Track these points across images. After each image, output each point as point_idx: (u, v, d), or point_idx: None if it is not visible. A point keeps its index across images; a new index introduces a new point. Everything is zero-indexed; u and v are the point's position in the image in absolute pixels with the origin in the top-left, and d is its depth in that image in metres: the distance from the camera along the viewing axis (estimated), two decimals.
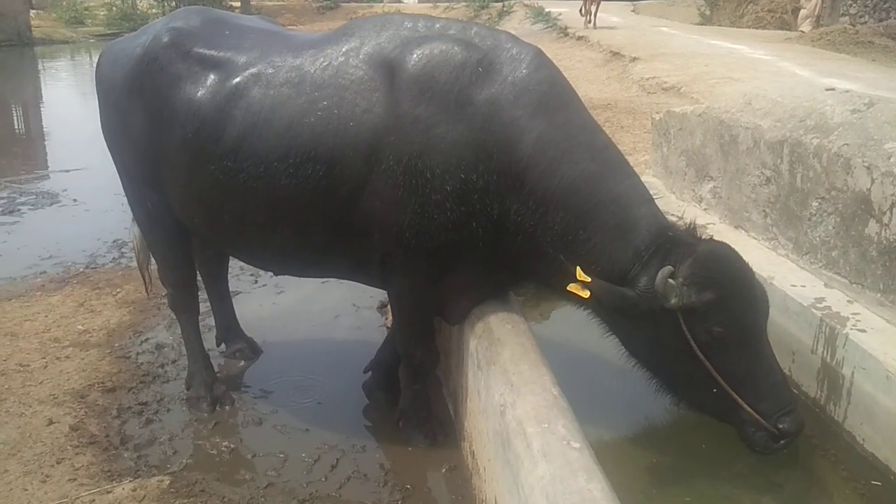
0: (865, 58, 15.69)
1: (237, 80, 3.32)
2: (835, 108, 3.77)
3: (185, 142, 3.38)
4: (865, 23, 20.54)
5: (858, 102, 3.69)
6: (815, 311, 3.32)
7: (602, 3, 22.08)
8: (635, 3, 31.13)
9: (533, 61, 3.11)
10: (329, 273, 4.05)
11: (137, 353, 4.66)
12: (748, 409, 2.74)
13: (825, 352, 3.23)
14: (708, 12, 28.67)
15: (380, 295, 5.63)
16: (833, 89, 4.08)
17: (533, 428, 2.56)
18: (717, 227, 4.48)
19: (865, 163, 3.30)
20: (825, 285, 3.54)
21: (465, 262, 3.29)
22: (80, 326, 4.98)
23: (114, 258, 6.45)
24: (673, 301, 2.71)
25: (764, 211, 4.12)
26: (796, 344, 3.43)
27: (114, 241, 6.83)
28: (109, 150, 3.92)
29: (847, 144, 3.47)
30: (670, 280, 2.72)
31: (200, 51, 3.43)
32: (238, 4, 34.66)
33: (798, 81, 8.76)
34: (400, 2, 45.26)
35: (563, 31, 22.10)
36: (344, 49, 3.24)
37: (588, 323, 3.25)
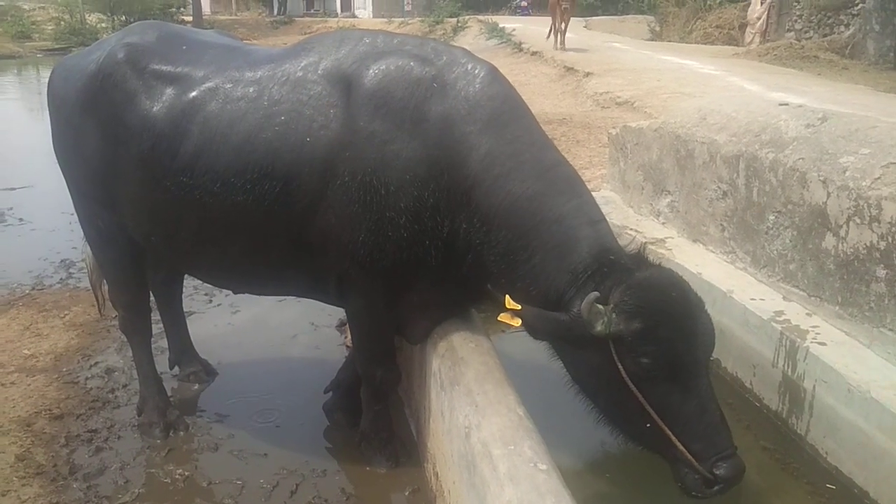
0: (811, 72, 16.13)
1: (193, 94, 3.26)
2: (789, 122, 3.82)
3: (141, 158, 3.30)
4: (810, 38, 21.10)
5: (812, 117, 3.74)
6: (774, 324, 3.34)
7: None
8: (587, 19, 31.57)
9: (486, 77, 3.07)
10: (287, 291, 3.96)
11: (86, 378, 4.49)
12: (681, 447, 2.59)
13: (786, 365, 3.24)
14: (658, 28, 29.23)
15: (338, 313, 5.54)
16: (787, 104, 4.14)
17: (499, 450, 2.51)
18: (675, 241, 4.51)
19: (821, 177, 3.34)
20: (784, 298, 3.57)
21: (422, 280, 3.23)
22: (26, 351, 4.79)
23: (61, 279, 6.24)
24: (598, 328, 2.58)
25: (721, 225, 4.15)
26: (757, 357, 3.45)
27: (61, 262, 6.62)
28: (61, 167, 3.80)
29: (802, 159, 3.51)
30: (597, 305, 2.60)
31: (156, 66, 3.36)
32: (190, 19, 34.30)
33: (751, 97, 8.93)
34: (354, 17, 45.37)
35: (518, 47, 22.34)
36: (302, 64, 3.19)
37: None
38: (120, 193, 3.49)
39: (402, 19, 38.66)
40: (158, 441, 3.86)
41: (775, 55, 18.61)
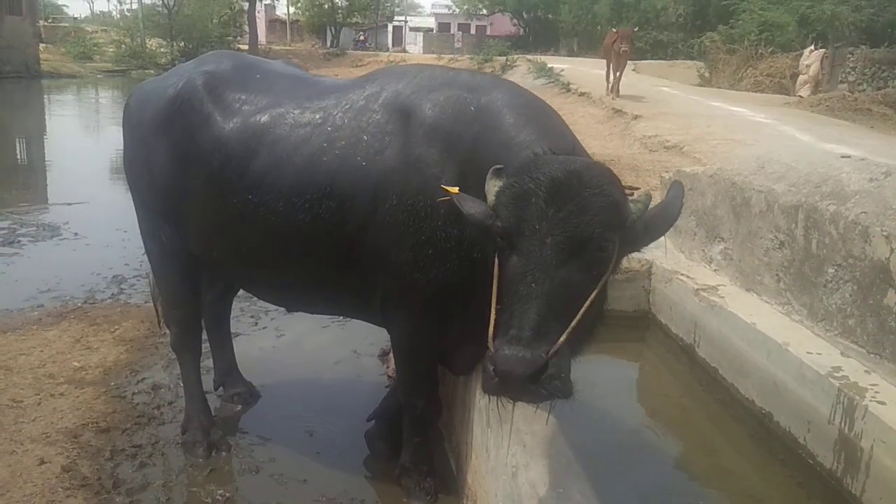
0: (864, 125, 15.91)
1: (264, 118, 3.43)
2: (851, 175, 3.76)
3: (211, 176, 3.46)
4: (864, 90, 20.88)
5: (876, 171, 3.68)
6: (832, 380, 3.25)
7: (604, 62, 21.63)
8: (636, 63, 31.63)
9: (522, 97, 3.17)
10: (336, 310, 4.07)
11: (133, 394, 4.56)
12: (492, 324, 2.34)
13: (843, 423, 3.15)
14: (707, 74, 29.13)
15: (380, 342, 5.57)
16: (849, 156, 4.08)
17: (547, 492, 2.48)
18: (727, 289, 4.44)
19: (884, 232, 3.28)
20: (841, 354, 3.48)
21: (468, 307, 3.23)
22: (75, 363, 4.88)
23: (112, 294, 6.37)
24: (490, 195, 2.50)
25: (777, 275, 4.08)
26: (812, 413, 3.35)
27: (113, 277, 6.77)
28: (129, 183, 3.98)
29: (865, 213, 3.45)
30: (497, 178, 2.52)
31: (231, 93, 3.54)
32: (246, 47, 35.16)
33: (810, 148, 8.81)
34: (405, 52, 46.08)
35: (566, 87, 22.45)
36: (366, 94, 3.34)
37: (598, 378, 3.15)
38: (186, 209, 3.65)
39: (452, 56, 39.16)
40: (201, 460, 3.90)
41: (827, 106, 18.40)
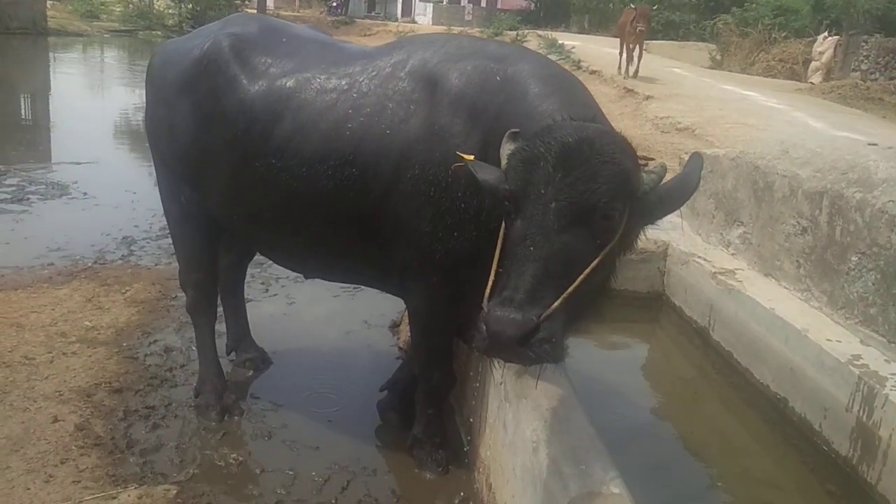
0: (876, 114, 15.83)
1: (290, 83, 3.38)
2: (878, 163, 3.73)
3: (235, 139, 3.42)
4: (876, 80, 20.73)
5: None
6: (852, 367, 3.25)
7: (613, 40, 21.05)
8: (647, 42, 31.37)
9: (546, 65, 3.15)
10: (355, 278, 4.00)
11: (146, 355, 4.55)
12: (490, 281, 2.38)
13: (861, 411, 3.15)
14: (719, 57, 28.93)
15: (391, 313, 5.56)
16: (876, 144, 4.04)
17: (570, 468, 2.47)
18: (745, 274, 4.43)
19: None
20: (861, 342, 3.47)
21: (486, 275, 3.21)
22: (87, 322, 4.86)
23: (122, 255, 6.34)
24: (504, 158, 2.49)
25: (797, 261, 4.07)
26: (830, 400, 3.35)
27: (123, 238, 6.73)
28: (150, 143, 3.95)
29: (892, 201, 3.42)
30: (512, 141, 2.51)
31: (258, 56, 3.49)
32: (254, 12, 34.82)
33: (830, 135, 8.74)
34: (414, 22, 45.66)
35: (577, 65, 22.26)
36: (392, 61, 3.29)
37: (612, 357, 3.13)
38: (208, 172, 3.61)
39: (462, 28, 38.78)
40: (214, 423, 3.89)
41: (840, 94, 18.30)
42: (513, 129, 2.58)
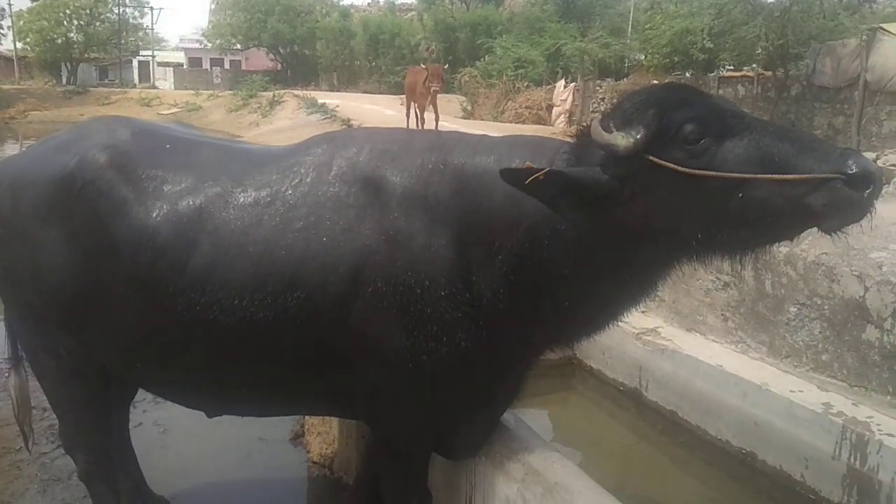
0: None
1: (197, 201, 2.85)
2: None
3: (137, 275, 2.81)
4: None
5: None
6: (832, 417, 3.40)
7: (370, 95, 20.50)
8: (402, 97, 32.48)
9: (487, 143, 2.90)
10: (301, 410, 3.51)
11: None
12: (792, 176, 2.09)
13: (852, 458, 3.30)
14: (470, 107, 30.68)
15: (286, 424, 5.03)
16: None
17: None
18: (669, 331, 4.54)
19: (855, 272, 3.51)
20: (819, 388, 3.67)
21: (471, 374, 2.94)
22: None
23: None
24: (622, 141, 2.22)
25: (723, 314, 4.25)
26: (810, 451, 3.49)
27: None
28: (1, 289, 3.19)
29: (826, 253, 3.68)
30: (598, 128, 2.28)
31: (147, 171, 2.91)
32: None
33: None
34: (155, 88, 43.44)
35: (347, 123, 22.37)
36: (313, 165, 2.91)
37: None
38: (99, 317, 2.95)
39: (211, 92, 37.56)
40: None
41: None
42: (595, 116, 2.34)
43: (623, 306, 2.72)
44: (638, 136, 2.19)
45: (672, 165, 2.19)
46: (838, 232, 2.13)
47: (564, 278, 2.56)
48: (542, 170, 2.25)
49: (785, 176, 2.09)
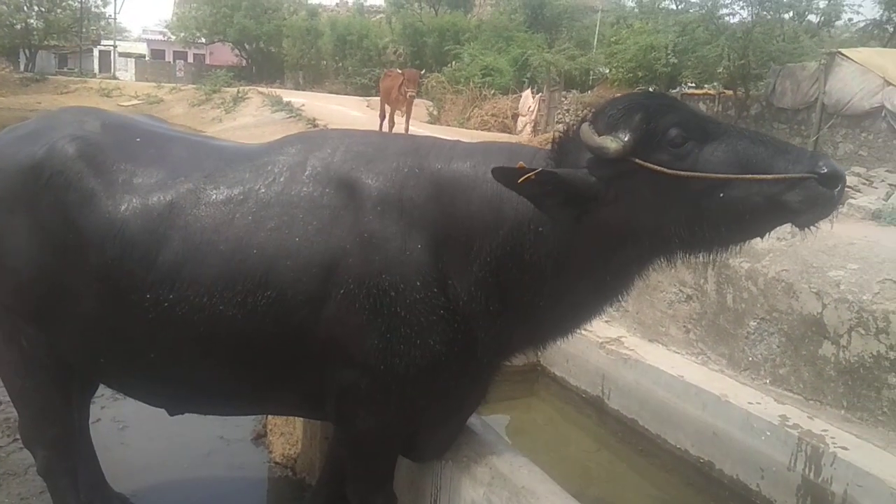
0: None
1: (169, 197, 2.83)
2: None
3: (104, 269, 2.78)
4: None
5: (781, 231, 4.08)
6: (788, 429, 3.52)
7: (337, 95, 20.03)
8: (368, 99, 32.41)
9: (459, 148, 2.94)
10: (268, 410, 3.47)
11: None
12: (771, 176, 2.24)
13: (806, 469, 3.41)
14: (436, 112, 30.75)
15: (248, 424, 4.99)
16: None
17: None
18: (631, 341, 4.64)
19: (813, 289, 3.64)
20: (776, 401, 3.79)
21: (443, 377, 2.98)
22: None
23: None
24: (612, 144, 2.30)
25: (685, 326, 4.36)
26: (765, 461, 3.60)
27: None
28: None
29: (786, 270, 3.80)
30: (589, 130, 2.35)
31: (118, 164, 2.89)
32: None
33: None
34: (116, 79, 42.64)
35: (312, 123, 22.23)
36: (287, 165, 2.92)
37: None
38: (62, 310, 2.91)
39: (174, 85, 37.01)
40: None
41: (546, 143, 20.30)
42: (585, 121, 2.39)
43: (596, 308, 2.81)
44: (626, 140, 2.29)
45: (659, 168, 2.30)
46: (810, 227, 2.31)
47: (544, 280, 2.63)
48: (535, 170, 2.31)
49: (764, 176, 2.25)
